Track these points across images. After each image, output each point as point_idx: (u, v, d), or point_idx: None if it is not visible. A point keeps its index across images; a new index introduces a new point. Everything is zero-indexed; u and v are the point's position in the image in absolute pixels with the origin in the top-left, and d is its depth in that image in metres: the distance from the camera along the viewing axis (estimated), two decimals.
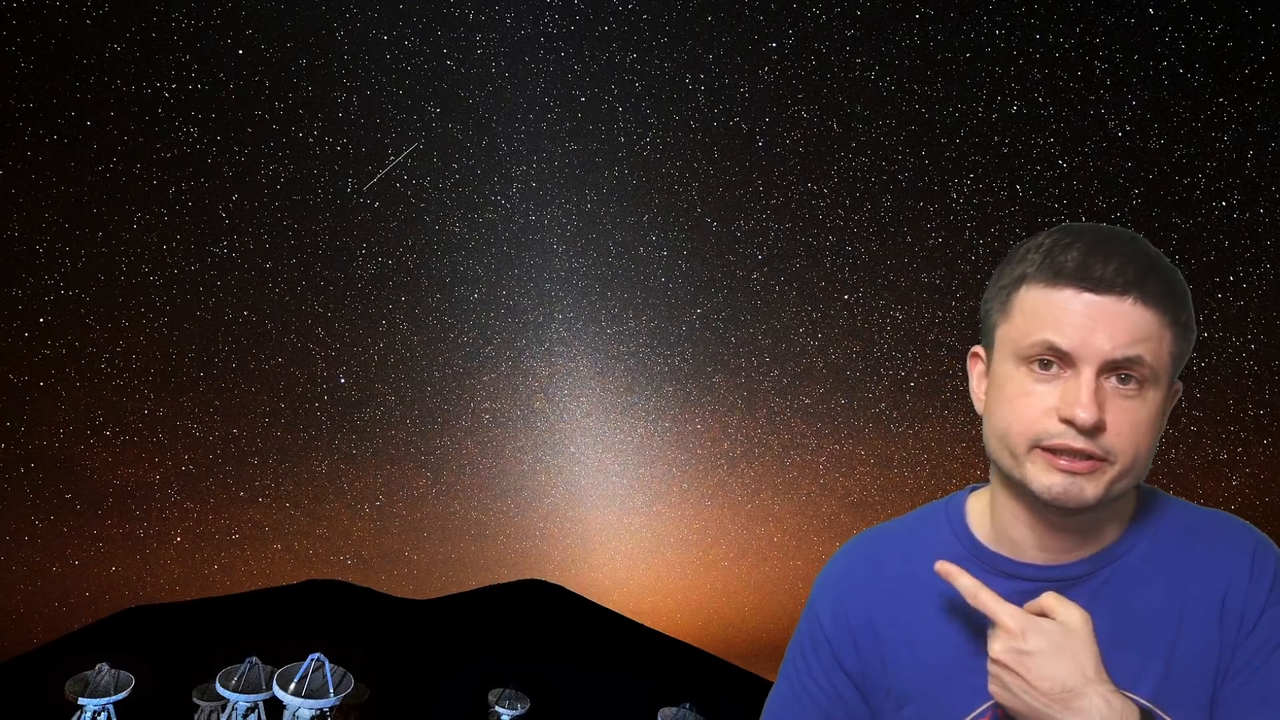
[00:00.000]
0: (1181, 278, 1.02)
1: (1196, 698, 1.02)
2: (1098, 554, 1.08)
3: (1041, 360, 1.00)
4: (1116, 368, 0.97)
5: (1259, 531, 1.11)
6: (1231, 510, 1.12)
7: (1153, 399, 0.99)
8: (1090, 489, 0.98)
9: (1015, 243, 1.09)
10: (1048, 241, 1.02)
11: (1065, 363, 0.98)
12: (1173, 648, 1.04)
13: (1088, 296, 0.97)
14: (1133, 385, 0.98)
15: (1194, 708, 1.02)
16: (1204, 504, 1.14)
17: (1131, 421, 0.98)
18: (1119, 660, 1.03)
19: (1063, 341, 0.97)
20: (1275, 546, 1.09)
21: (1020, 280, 1.03)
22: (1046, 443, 0.99)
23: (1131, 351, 0.96)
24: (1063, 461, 0.98)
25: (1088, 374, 0.97)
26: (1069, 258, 0.99)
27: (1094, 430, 0.96)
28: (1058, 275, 0.99)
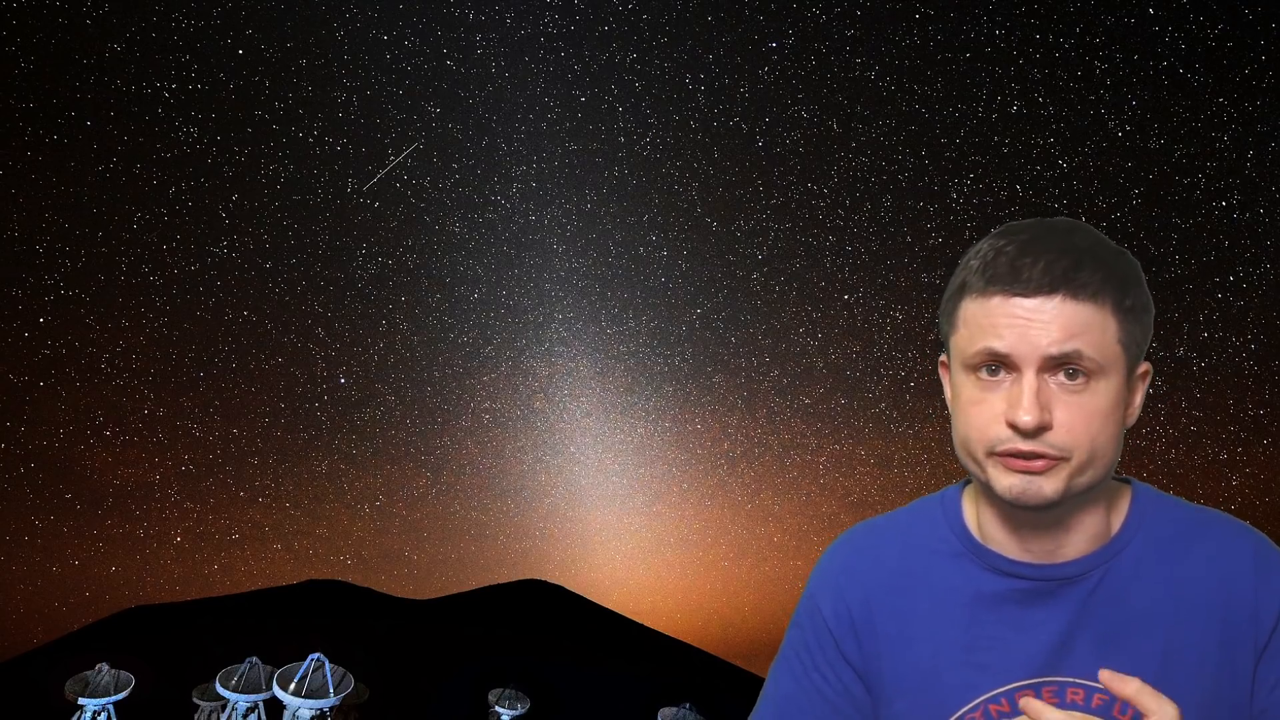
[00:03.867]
0: (1127, 262, 1.02)
1: (1193, 699, 1.03)
2: (1091, 554, 1.08)
3: (988, 367, 1.01)
4: (1058, 365, 0.98)
5: (1257, 531, 1.11)
6: (1231, 510, 1.12)
7: (1103, 390, 1.00)
8: (1049, 486, 0.99)
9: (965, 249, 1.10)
10: (985, 247, 1.04)
11: (1009, 367, 1.00)
12: (1168, 648, 1.05)
13: (1017, 300, 0.99)
14: (1080, 379, 0.99)
15: (1190, 708, 1.02)
16: (1204, 504, 1.14)
17: (1083, 415, 0.98)
18: (1112, 662, 1.04)
19: (1000, 345, 0.99)
20: (1275, 546, 1.09)
21: (961, 291, 1.05)
22: (999, 449, 1.00)
23: (1069, 346, 0.97)
24: (1017, 463, 1.00)
25: (1029, 376, 0.98)
26: (1000, 263, 1.00)
27: (1038, 431, 0.97)
28: (990, 283, 1.01)
